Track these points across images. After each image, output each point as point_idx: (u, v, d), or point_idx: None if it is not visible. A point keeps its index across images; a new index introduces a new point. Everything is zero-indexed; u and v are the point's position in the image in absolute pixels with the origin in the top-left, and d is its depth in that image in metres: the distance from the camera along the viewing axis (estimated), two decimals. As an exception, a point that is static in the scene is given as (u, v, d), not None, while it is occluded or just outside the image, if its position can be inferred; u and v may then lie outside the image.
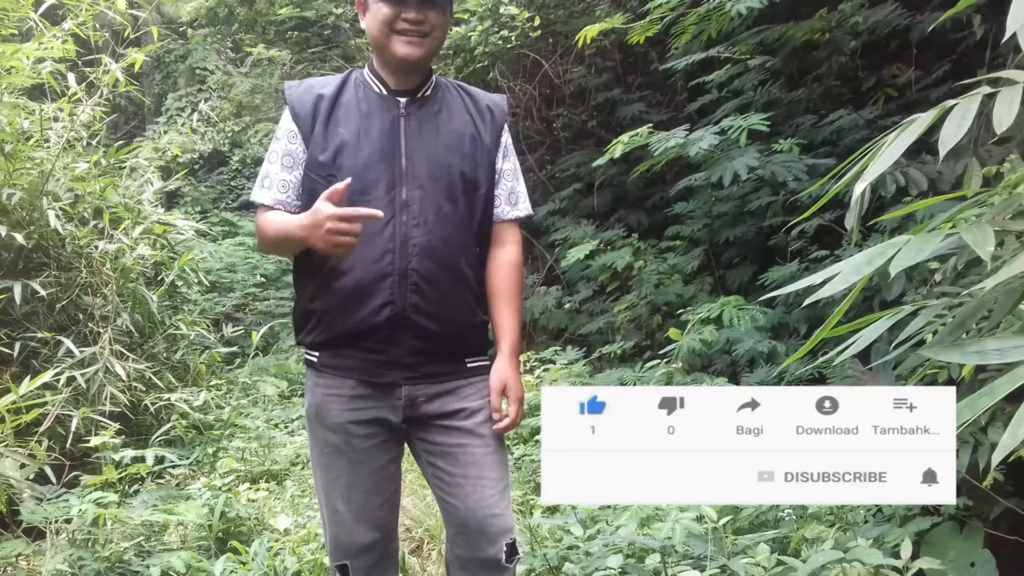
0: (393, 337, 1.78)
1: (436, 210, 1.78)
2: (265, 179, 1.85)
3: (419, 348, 1.80)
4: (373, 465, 1.84)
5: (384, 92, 1.84)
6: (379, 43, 1.79)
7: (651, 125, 4.59)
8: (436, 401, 1.84)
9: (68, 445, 3.46)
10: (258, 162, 10.36)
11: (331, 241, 1.64)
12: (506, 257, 1.91)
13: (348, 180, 1.67)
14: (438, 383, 1.84)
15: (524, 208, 1.94)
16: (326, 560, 1.98)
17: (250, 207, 10.20)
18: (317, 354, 1.85)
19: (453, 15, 1.98)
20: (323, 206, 1.63)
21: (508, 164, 1.92)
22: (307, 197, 1.80)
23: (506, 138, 1.92)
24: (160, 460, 3.58)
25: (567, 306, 6.04)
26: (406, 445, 1.94)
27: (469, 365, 1.88)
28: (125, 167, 5.02)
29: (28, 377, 2.85)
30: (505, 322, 1.89)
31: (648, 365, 4.39)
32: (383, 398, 1.82)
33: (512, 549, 1.84)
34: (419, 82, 1.85)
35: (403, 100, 1.83)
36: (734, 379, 4.20)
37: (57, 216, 3.95)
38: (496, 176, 1.89)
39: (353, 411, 1.81)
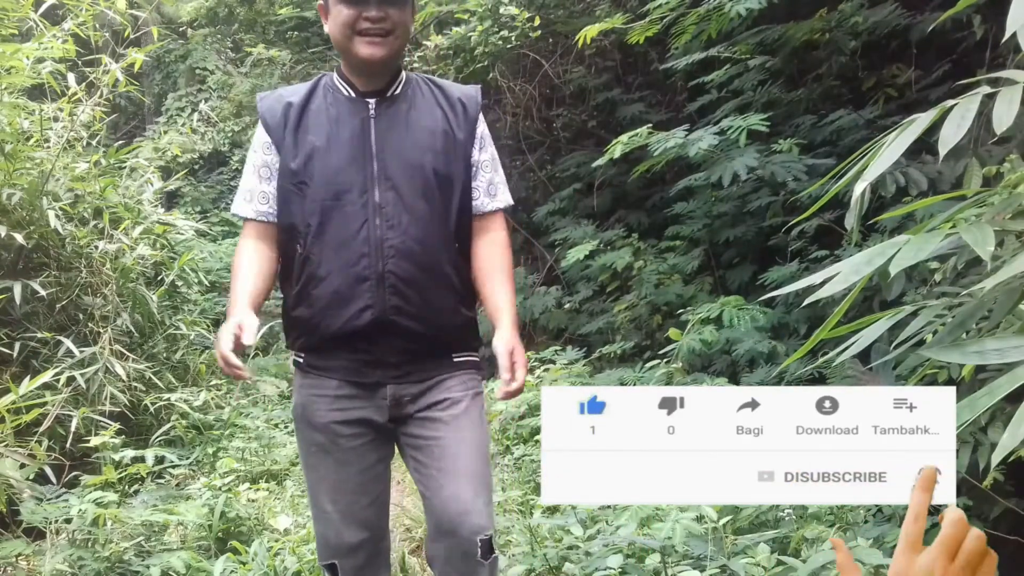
0: (377, 339, 1.78)
1: (410, 211, 1.77)
2: (246, 192, 1.87)
3: (404, 348, 1.80)
4: (360, 465, 1.84)
5: (353, 95, 1.84)
6: (342, 46, 1.79)
7: (651, 125, 4.59)
8: (421, 398, 1.84)
9: (68, 445, 3.46)
10: (258, 162, 10.36)
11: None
12: (492, 239, 1.89)
13: (250, 340, 1.69)
14: (423, 381, 1.84)
15: (503, 199, 1.92)
16: (325, 559, 1.98)
17: (250, 207, 10.24)
18: (303, 355, 1.87)
19: (415, 12, 1.99)
20: (225, 341, 1.67)
21: (485, 155, 1.90)
22: (281, 205, 1.83)
23: (481, 129, 1.90)
24: (160, 460, 3.58)
25: (567, 306, 6.04)
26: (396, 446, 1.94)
27: (456, 359, 1.88)
28: (125, 167, 5.02)
29: (28, 377, 2.85)
30: (502, 297, 1.85)
31: (648, 365, 4.39)
32: (368, 398, 1.82)
33: (488, 546, 1.81)
34: (387, 82, 1.84)
35: (372, 101, 1.83)
36: (734, 379, 4.20)
37: (57, 216, 3.95)
38: (473, 169, 1.87)
39: (338, 411, 1.82)
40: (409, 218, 1.77)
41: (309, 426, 1.84)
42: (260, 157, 1.86)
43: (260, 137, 1.86)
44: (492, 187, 1.90)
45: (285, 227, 1.84)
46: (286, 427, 5.01)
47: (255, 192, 1.86)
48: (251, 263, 1.85)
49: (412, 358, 1.82)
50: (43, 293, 3.84)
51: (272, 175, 1.85)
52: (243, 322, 1.71)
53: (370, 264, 1.75)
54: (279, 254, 1.89)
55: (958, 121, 1.25)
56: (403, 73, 1.88)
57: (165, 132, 10.20)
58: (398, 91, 1.85)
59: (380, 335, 1.78)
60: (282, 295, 1.93)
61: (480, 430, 1.88)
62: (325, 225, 1.77)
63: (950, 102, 1.28)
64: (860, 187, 1.34)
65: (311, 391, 1.84)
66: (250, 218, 1.87)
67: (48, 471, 3.17)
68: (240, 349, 1.69)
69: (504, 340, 1.82)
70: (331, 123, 1.81)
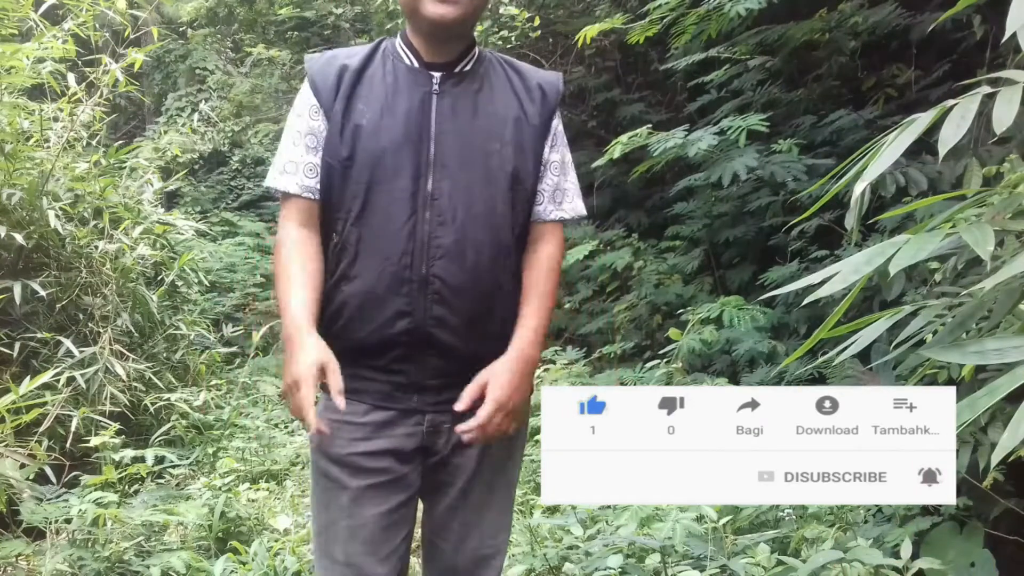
0: (413, 355, 1.53)
1: (467, 206, 1.52)
2: (288, 163, 1.58)
3: (444, 369, 1.55)
4: (381, 507, 1.55)
5: (415, 64, 1.57)
6: (409, 5, 1.53)
7: (650, 125, 4.60)
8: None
9: (68, 445, 3.46)
10: (258, 162, 10.38)
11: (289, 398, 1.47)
12: (542, 254, 1.63)
13: (338, 385, 1.43)
14: (467, 410, 1.57)
15: (571, 209, 1.66)
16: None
17: (250, 206, 10.23)
18: None
19: None
20: (307, 396, 1.41)
21: (556, 155, 1.64)
22: (324, 184, 1.56)
23: (556, 124, 1.64)
24: (160, 460, 3.58)
25: (567, 306, 6.04)
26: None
27: None
28: (125, 167, 5.02)
29: (28, 377, 2.85)
30: (524, 315, 1.58)
31: (648, 365, 4.39)
32: (401, 424, 1.56)
33: None
34: (458, 54, 1.58)
35: (437, 75, 1.56)
36: (734, 379, 4.20)
37: (57, 216, 3.95)
38: (542, 168, 1.62)
39: (362, 440, 1.55)
40: (465, 215, 1.51)
41: (325, 457, 1.57)
42: (306, 123, 1.57)
43: (306, 100, 1.58)
44: (559, 192, 1.64)
45: (324, 208, 1.58)
46: (286, 427, 5.01)
47: (300, 163, 1.57)
48: (302, 264, 1.55)
49: (454, 381, 1.53)
50: (43, 293, 3.84)
51: (319, 144, 1.56)
52: (325, 362, 1.44)
53: (412, 264, 1.50)
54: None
55: (958, 121, 1.25)
56: (477, 48, 1.62)
57: (165, 132, 10.21)
58: (468, 67, 1.59)
59: (416, 350, 1.53)
60: None
61: (513, 477, 1.68)
62: (366, 213, 1.52)
63: (950, 102, 1.28)
64: (860, 187, 1.34)
65: (333, 416, 1.54)
66: (293, 194, 1.56)
67: (48, 471, 3.17)
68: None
69: (489, 369, 1.53)
70: (386, 94, 1.55)
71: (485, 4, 1.60)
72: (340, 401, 1.43)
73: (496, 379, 1.52)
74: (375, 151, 1.53)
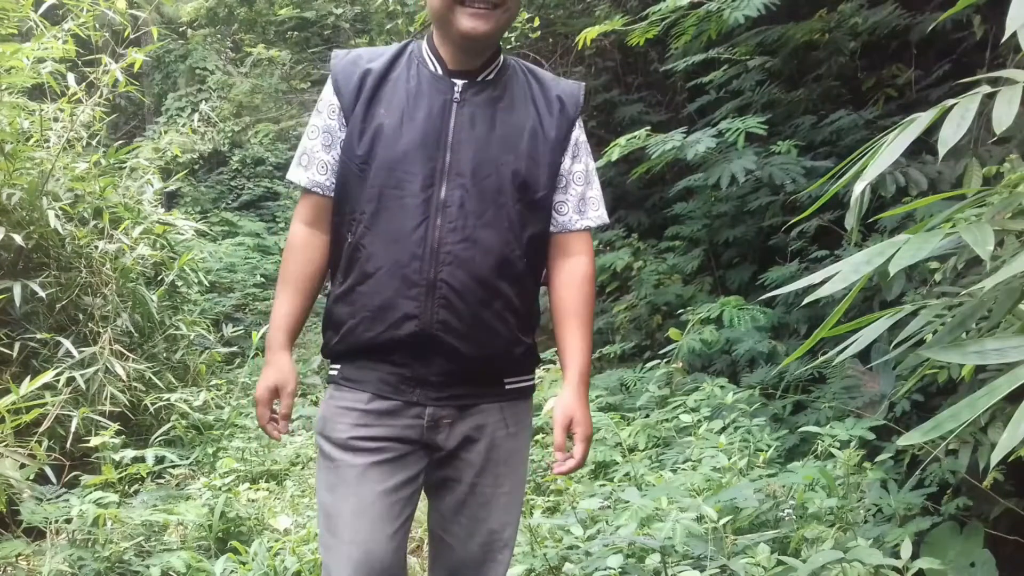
0: (418, 355, 1.57)
1: (478, 214, 1.55)
2: (303, 156, 1.65)
3: (447, 368, 1.58)
4: (385, 484, 1.57)
5: (439, 72, 1.60)
6: (441, 16, 1.55)
7: (650, 127, 4.60)
8: (461, 424, 1.62)
9: (68, 445, 3.46)
10: (258, 162, 10.40)
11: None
12: (576, 270, 1.67)
13: (288, 408, 1.69)
14: (467, 406, 1.63)
15: (596, 217, 1.70)
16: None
17: (250, 206, 10.25)
18: (338, 367, 1.66)
19: None
20: (262, 412, 1.68)
21: (579, 166, 1.67)
22: (340, 183, 1.62)
23: (578, 135, 1.68)
24: (160, 460, 3.57)
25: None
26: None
27: (508, 387, 1.66)
28: (125, 167, 5.03)
29: (28, 377, 2.85)
30: (572, 345, 1.65)
31: (648, 365, 4.39)
32: (402, 415, 1.59)
33: None
34: (483, 63, 1.61)
35: (460, 83, 1.59)
36: (734, 379, 4.20)
37: (57, 216, 3.95)
38: (564, 179, 1.66)
39: (363, 427, 1.59)
40: (475, 222, 1.55)
41: (328, 441, 1.61)
42: (324, 120, 1.63)
43: (328, 99, 1.63)
44: (583, 202, 1.67)
45: (340, 208, 1.63)
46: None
47: (313, 159, 1.63)
48: (300, 271, 1.67)
49: (456, 379, 1.60)
50: (43, 293, 3.84)
51: (334, 143, 1.62)
52: (282, 384, 1.66)
53: (422, 268, 1.53)
54: (332, 237, 1.68)
55: (958, 121, 1.25)
56: (501, 56, 1.65)
57: (165, 132, 10.19)
58: (491, 76, 1.62)
59: (421, 351, 1.56)
60: (328, 285, 1.72)
61: (520, 472, 1.70)
62: (380, 215, 1.55)
63: (950, 102, 1.28)
64: (860, 187, 1.34)
65: (338, 403, 1.62)
66: (304, 188, 1.65)
67: (48, 471, 3.17)
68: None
69: (563, 406, 1.62)
70: (408, 99, 1.58)
71: (515, 17, 1.63)
72: (283, 426, 1.69)
73: (578, 418, 1.61)
74: (392, 156, 1.56)
